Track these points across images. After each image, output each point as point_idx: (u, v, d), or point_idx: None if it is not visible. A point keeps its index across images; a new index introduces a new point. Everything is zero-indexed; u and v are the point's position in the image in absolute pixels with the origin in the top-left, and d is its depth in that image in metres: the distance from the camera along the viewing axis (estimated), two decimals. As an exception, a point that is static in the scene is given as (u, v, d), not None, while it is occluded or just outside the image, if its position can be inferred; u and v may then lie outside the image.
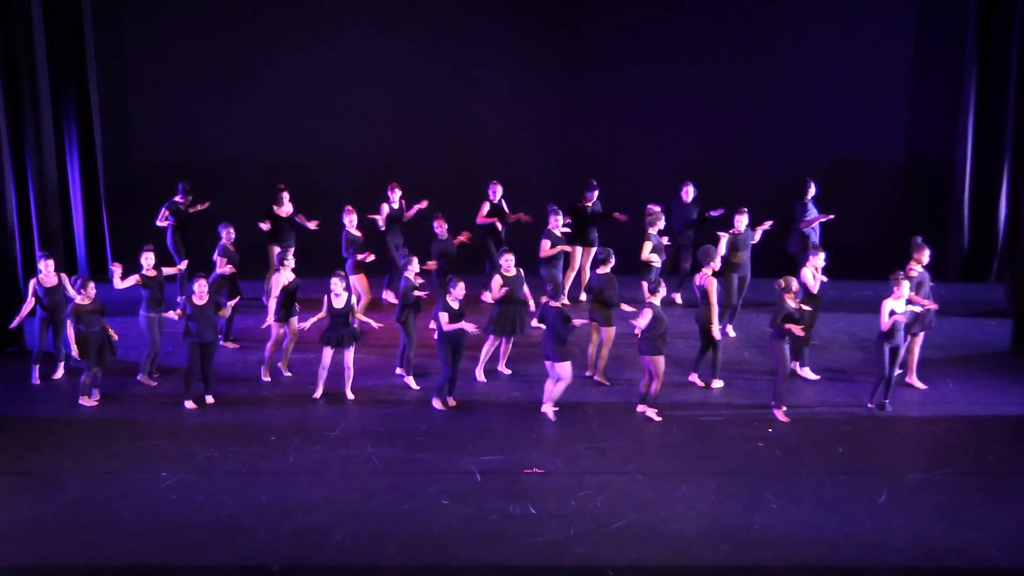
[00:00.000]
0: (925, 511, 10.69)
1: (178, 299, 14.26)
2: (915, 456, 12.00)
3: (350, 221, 16.22)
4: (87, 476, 11.55)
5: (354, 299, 14.09)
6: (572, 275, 17.02)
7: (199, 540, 10.22)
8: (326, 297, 13.53)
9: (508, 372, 14.47)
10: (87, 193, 19.02)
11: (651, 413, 13.05)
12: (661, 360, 12.88)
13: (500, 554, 9.97)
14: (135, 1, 20.05)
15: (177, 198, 17.09)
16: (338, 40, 20.06)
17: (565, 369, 12.95)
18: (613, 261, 14.03)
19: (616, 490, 11.14)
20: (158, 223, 16.99)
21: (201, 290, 13.27)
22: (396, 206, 17.02)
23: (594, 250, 16.74)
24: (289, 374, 14.42)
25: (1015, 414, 13.14)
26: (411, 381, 14.03)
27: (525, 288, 14.19)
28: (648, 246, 15.45)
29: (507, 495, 11.02)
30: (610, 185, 18.25)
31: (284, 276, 14.15)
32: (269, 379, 14.28)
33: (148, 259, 14.19)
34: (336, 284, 13.45)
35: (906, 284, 12.93)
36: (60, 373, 14.38)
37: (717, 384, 13.90)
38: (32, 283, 14.19)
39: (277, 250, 15.74)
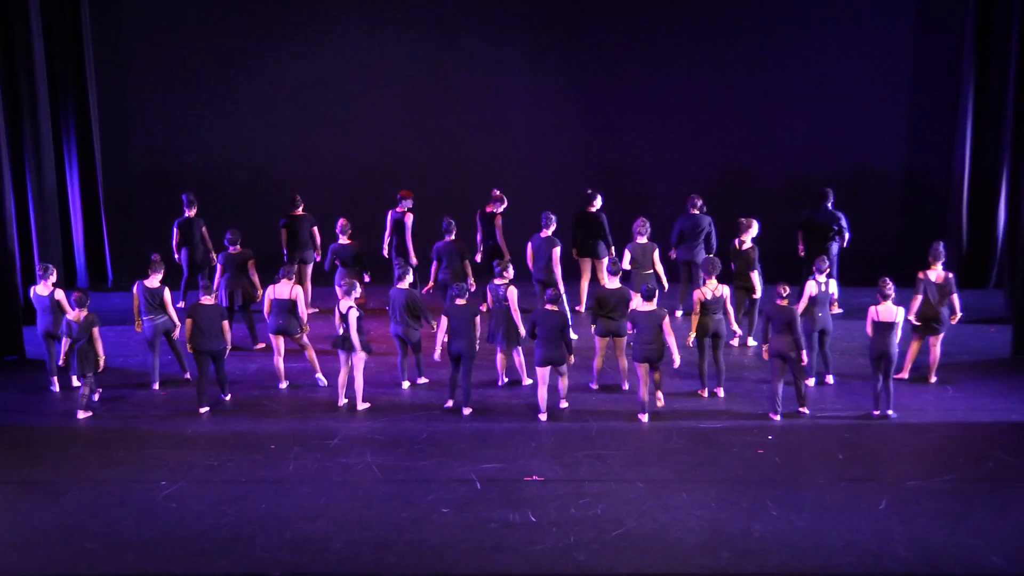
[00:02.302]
0: (926, 518, 10.68)
1: (179, 305, 14.37)
2: (916, 463, 11.98)
3: (341, 235, 16.30)
4: (87, 485, 11.54)
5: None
6: (584, 284, 17.03)
7: (199, 549, 10.21)
8: (336, 307, 13.66)
9: (529, 381, 14.28)
10: (86, 201, 19.06)
11: (644, 417, 13.25)
12: (643, 367, 13.12)
13: (500, 562, 9.96)
14: (134, 9, 20.08)
15: (188, 213, 16.98)
16: (338, 46, 20.09)
17: (565, 369, 13.38)
18: (620, 274, 14.08)
19: (616, 498, 11.12)
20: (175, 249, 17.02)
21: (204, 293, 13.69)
22: (401, 210, 16.93)
23: (605, 261, 16.59)
24: (285, 384, 14.41)
25: (1016, 420, 13.13)
26: (406, 384, 14.28)
27: (511, 296, 13.84)
28: (627, 256, 15.74)
29: (507, 503, 11.01)
30: (613, 192, 18.29)
31: (280, 289, 14.08)
32: (286, 384, 14.36)
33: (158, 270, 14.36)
34: (344, 290, 13.54)
35: (891, 288, 13.20)
36: (56, 387, 14.22)
37: (720, 392, 13.87)
38: (33, 291, 14.19)
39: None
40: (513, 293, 13.82)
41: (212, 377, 13.70)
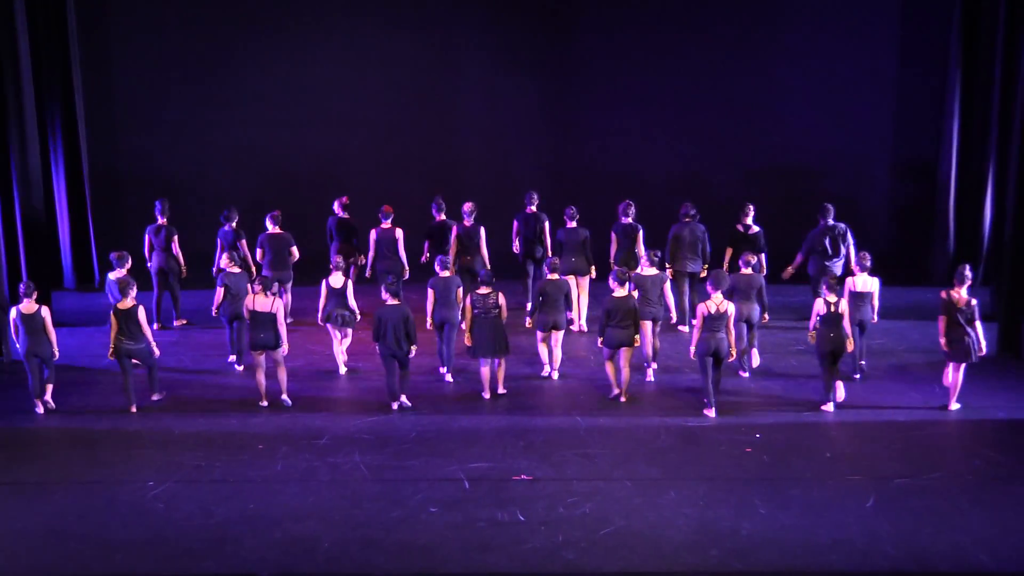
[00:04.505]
0: (913, 516, 10.70)
1: (217, 277, 15.04)
2: (903, 460, 12.00)
3: (340, 210, 16.77)
4: (74, 486, 11.51)
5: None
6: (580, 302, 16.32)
7: (187, 549, 10.18)
8: (325, 280, 14.41)
9: (504, 391, 14.01)
10: (73, 201, 18.99)
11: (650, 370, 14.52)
12: (647, 324, 14.26)
13: (489, 561, 9.96)
14: (120, 9, 20.03)
15: (160, 220, 16.65)
16: (325, 47, 20.09)
17: (560, 336, 14.40)
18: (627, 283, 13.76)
19: (604, 496, 11.13)
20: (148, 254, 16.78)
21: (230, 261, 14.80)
22: (387, 226, 16.39)
23: (586, 279, 16.16)
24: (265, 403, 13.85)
25: (1002, 418, 13.18)
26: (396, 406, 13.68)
27: (502, 302, 13.75)
28: (613, 238, 16.35)
29: (495, 502, 11.01)
30: (598, 194, 18.29)
31: (259, 301, 13.51)
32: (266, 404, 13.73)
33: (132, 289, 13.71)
34: (335, 264, 14.52)
35: (835, 288, 13.23)
36: (43, 408, 13.51)
37: (711, 413, 13.30)
38: (13, 312, 13.49)
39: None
40: (502, 299, 13.76)
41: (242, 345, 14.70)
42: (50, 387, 13.62)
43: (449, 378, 14.45)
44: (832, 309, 13.20)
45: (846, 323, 13.25)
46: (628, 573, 9.80)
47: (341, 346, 14.83)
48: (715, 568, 9.85)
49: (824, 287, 13.33)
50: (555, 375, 14.51)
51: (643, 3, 20.10)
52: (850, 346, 13.36)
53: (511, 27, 20.18)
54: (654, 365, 14.53)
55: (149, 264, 16.72)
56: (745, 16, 20.00)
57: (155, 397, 13.78)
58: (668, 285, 14.46)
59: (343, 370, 14.81)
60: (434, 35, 20.21)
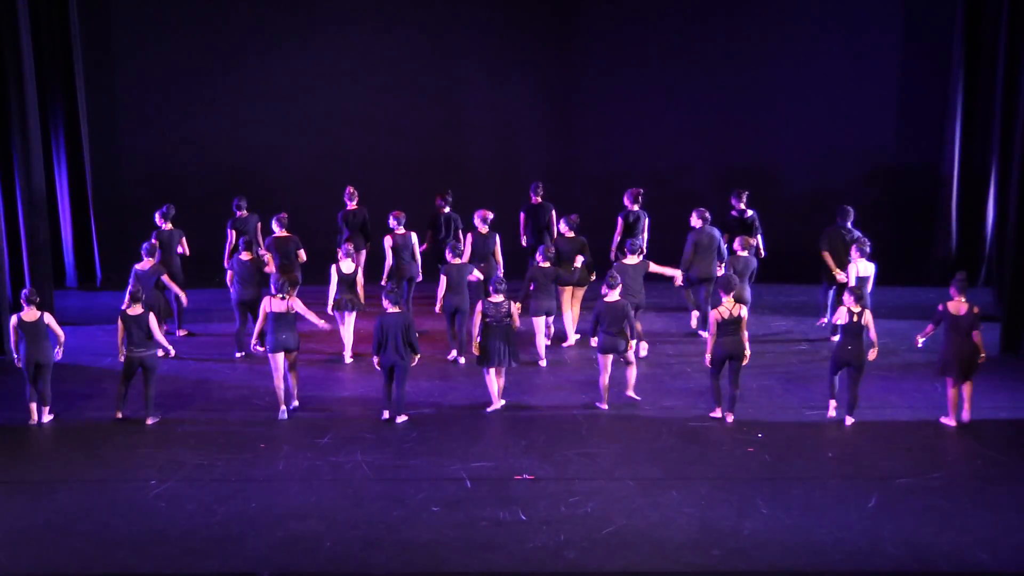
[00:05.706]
0: (915, 515, 10.70)
1: (227, 263, 15.56)
2: (905, 460, 12.00)
3: (349, 201, 16.92)
4: (76, 485, 11.52)
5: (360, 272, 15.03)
6: (571, 312, 15.91)
7: (189, 548, 10.19)
8: (334, 266, 14.75)
9: (501, 403, 13.61)
10: (75, 200, 19.01)
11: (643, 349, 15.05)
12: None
13: (490, 561, 9.96)
14: (123, 10, 20.05)
15: (164, 225, 16.30)
16: (328, 47, 20.11)
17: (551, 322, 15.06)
18: (620, 287, 13.53)
19: (606, 496, 11.13)
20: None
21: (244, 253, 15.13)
22: (401, 232, 16.07)
23: (582, 290, 15.83)
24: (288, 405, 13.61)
25: (1004, 418, 13.18)
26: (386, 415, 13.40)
27: (515, 311, 13.41)
28: (620, 224, 16.49)
29: (497, 501, 11.01)
30: (600, 191, 18.26)
31: (275, 303, 13.26)
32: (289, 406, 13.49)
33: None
34: (345, 251, 14.78)
35: (860, 298, 12.77)
36: (47, 418, 13.26)
37: (730, 418, 13.15)
38: (14, 319, 13.22)
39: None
40: (515, 308, 13.50)
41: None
42: (46, 409, 13.25)
43: (461, 360, 15.07)
44: (854, 319, 12.74)
45: (871, 334, 12.80)
46: (630, 572, 9.80)
47: (346, 330, 15.12)
48: (717, 567, 9.85)
49: (849, 296, 12.80)
50: (543, 363, 14.97)
51: (646, 3, 20.10)
52: (872, 355, 12.94)
53: (513, 25, 20.19)
54: (644, 345, 15.21)
55: None
56: (748, 15, 20.01)
57: (149, 421, 13.16)
58: (651, 267, 14.73)
59: (349, 356, 15.15)
60: (438, 32, 20.22)
